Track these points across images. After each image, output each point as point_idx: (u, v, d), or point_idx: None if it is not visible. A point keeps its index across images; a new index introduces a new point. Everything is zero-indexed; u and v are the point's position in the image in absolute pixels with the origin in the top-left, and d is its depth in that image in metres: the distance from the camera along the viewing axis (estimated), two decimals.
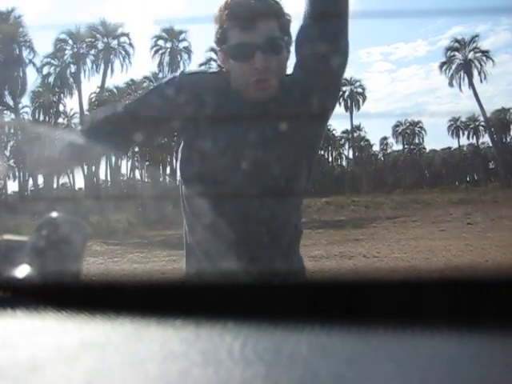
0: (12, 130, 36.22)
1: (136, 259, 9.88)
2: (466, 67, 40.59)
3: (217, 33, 1.32)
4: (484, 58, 40.95)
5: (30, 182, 40.31)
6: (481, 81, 40.69)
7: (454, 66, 41.30)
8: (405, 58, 79.76)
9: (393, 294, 0.37)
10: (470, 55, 41.11)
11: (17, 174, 37.93)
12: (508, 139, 55.40)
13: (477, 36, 46.42)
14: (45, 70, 34.56)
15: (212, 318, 0.37)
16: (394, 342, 0.34)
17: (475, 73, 40.32)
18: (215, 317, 0.37)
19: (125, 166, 40.87)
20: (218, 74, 1.37)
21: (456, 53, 41.83)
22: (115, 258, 10.34)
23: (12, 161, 38.68)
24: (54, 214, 0.62)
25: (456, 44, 42.43)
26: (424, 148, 59.85)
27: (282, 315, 0.37)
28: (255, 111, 1.29)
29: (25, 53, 33.11)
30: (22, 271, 0.48)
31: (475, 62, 40.77)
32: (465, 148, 56.41)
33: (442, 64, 42.18)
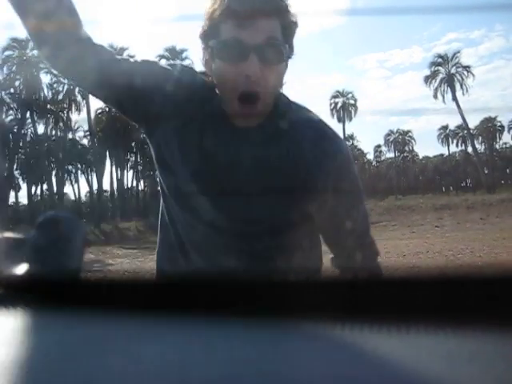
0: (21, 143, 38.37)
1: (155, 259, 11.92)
2: (449, 81, 43.22)
3: (205, 26, 1.05)
4: (465, 73, 43.64)
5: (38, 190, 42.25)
6: (463, 93, 43.42)
7: (437, 80, 44.10)
8: (400, 64, 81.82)
9: (393, 292, 0.37)
10: (453, 70, 43.79)
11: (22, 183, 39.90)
12: (496, 146, 57.71)
13: (458, 52, 48.89)
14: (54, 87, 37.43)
15: (212, 317, 0.37)
16: (393, 340, 0.34)
17: (457, 86, 43.04)
18: (215, 316, 0.37)
19: (126, 176, 42.95)
20: (205, 82, 1.11)
21: (439, 67, 44.59)
22: (139, 259, 12.35)
23: (18, 171, 40.82)
24: (54, 212, 0.62)
25: (439, 59, 45.25)
26: (417, 155, 62.15)
27: (283, 314, 0.37)
28: (237, 138, 1.07)
29: (42, 75, 35.85)
30: (22, 269, 0.48)
31: (457, 76, 43.44)
32: (457, 155, 58.71)
33: (427, 78, 44.92)
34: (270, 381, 0.30)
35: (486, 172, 54.84)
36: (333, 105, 48.04)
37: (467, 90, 43.31)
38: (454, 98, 42.15)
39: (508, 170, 57.38)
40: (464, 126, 44.62)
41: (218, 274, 0.45)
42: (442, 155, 60.60)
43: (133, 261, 11.90)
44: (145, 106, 1.09)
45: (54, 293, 0.42)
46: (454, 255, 8.76)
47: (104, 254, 15.42)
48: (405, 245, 11.62)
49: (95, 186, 40.35)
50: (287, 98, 1.13)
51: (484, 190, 41.68)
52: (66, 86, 36.80)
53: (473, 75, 44.19)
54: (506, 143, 57.84)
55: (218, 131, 1.07)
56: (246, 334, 0.36)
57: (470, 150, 56.80)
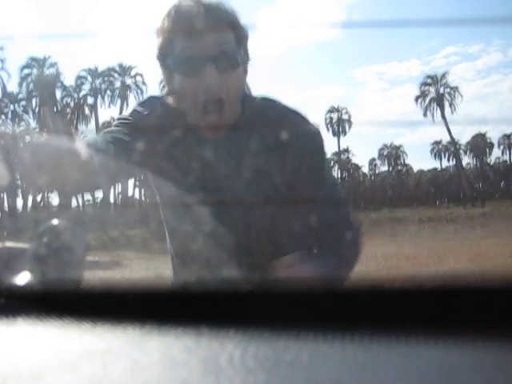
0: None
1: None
2: (438, 100, 45.59)
3: (159, 46, 1.06)
4: (453, 92, 46.03)
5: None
6: (451, 112, 45.80)
7: (427, 100, 46.48)
8: (399, 77, 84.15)
9: (394, 302, 0.37)
10: (441, 90, 46.18)
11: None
12: (489, 161, 59.94)
13: (446, 73, 51.01)
14: (63, 101, 39.74)
15: (213, 326, 0.37)
16: (394, 350, 0.34)
17: (446, 105, 45.42)
18: (216, 325, 0.37)
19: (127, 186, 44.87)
20: (162, 106, 1.10)
21: (429, 87, 47.01)
22: (154, 261, 14.04)
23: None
24: (55, 222, 0.62)
25: (429, 80, 47.59)
26: (411, 169, 64.26)
27: (283, 323, 0.37)
28: (213, 148, 1.07)
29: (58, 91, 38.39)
30: (23, 278, 0.48)
31: (446, 95, 45.82)
32: (451, 169, 60.92)
33: (417, 97, 47.28)
34: None
35: (481, 185, 57.11)
36: (328, 119, 50.34)
37: (455, 109, 45.70)
38: (443, 117, 44.43)
39: (502, 184, 59.44)
40: (453, 141, 46.89)
41: (218, 284, 0.43)
42: (435, 169, 62.66)
43: (150, 262, 13.68)
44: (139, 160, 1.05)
45: (54, 302, 0.42)
46: (414, 258, 10.85)
47: (120, 257, 17.32)
48: (379, 251, 13.78)
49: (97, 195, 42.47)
50: (250, 96, 1.15)
51: (477, 203, 43.82)
52: (75, 100, 39.41)
53: (461, 95, 46.63)
54: (499, 158, 59.97)
55: (191, 146, 1.07)
56: (246, 343, 0.36)
57: (463, 164, 59.16)
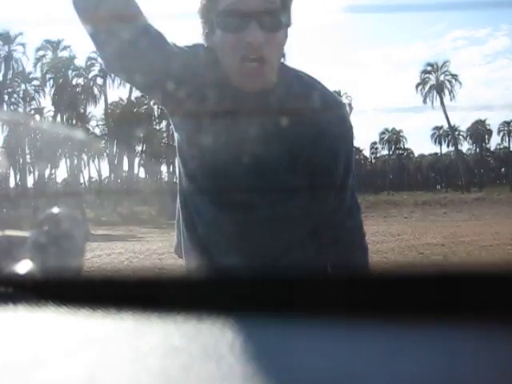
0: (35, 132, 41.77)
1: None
2: (438, 88, 46.60)
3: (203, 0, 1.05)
4: (453, 81, 47.08)
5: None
6: (450, 100, 46.78)
7: (427, 87, 47.49)
8: (404, 59, 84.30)
9: (393, 290, 0.37)
10: (442, 77, 47.14)
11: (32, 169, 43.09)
12: (490, 147, 61.01)
13: (448, 61, 51.83)
14: (73, 82, 41.12)
15: (213, 313, 0.37)
16: (394, 338, 0.34)
17: (446, 92, 46.46)
18: (216, 312, 0.37)
19: (134, 165, 46.28)
20: (207, 54, 1.09)
21: (429, 75, 48.01)
22: (165, 235, 15.33)
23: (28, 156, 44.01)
24: (55, 210, 0.62)
25: (429, 67, 48.51)
26: (412, 153, 65.37)
27: (284, 310, 0.37)
28: (247, 104, 1.06)
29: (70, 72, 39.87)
30: (24, 267, 0.48)
31: (446, 83, 46.83)
32: (452, 154, 62.03)
33: (418, 85, 48.22)
34: (274, 378, 0.30)
35: (482, 171, 58.34)
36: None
37: (454, 97, 46.66)
38: (442, 104, 45.53)
39: (503, 170, 60.55)
40: (459, 125, 47.95)
41: (219, 272, 0.44)
42: (436, 154, 63.72)
43: (162, 235, 15.05)
44: (174, 90, 1.05)
45: (55, 290, 0.42)
46: (398, 235, 12.35)
47: (132, 231, 18.72)
48: (370, 228, 15.34)
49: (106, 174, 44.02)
50: (287, 67, 1.13)
51: (475, 188, 45.15)
52: (85, 81, 40.65)
53: (460, 83, 47.60)
54: (499, 144, 60.96)
55: (222, 97, 1.06)
56: (248, 329, 0.36)
57: (464, 149, 60.27)
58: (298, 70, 1.15)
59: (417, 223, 16.96)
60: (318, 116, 1.10)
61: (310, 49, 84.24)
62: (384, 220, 19.23)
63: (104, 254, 9.50)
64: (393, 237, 11.96)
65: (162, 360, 0.33)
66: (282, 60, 1.12)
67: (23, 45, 40.67)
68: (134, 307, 0.39)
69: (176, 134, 1.17)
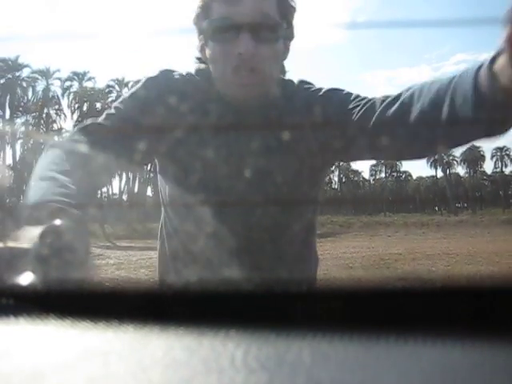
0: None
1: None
2: None
3: (197, 9, 1.03)
4: None
5: None
6: None
7: None
8: (409, 82, 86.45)
9: (395, 302, 0.37)
10: None
11: None
12: (481, 170, 63.89)
13: None
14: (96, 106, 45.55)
15: (214, 326, 0.37)
16: (396, 350, 0.34)
17: None
18: (218, 325, 0.37)
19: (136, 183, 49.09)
20: (198, 72, 1.08)
21: None
22: None
23: None
24: (58, 222, 0.62)
25: None
26: (410, 175, 68.15)
27: (285, 323, 0.37)
28: (248, 118, 1.03)
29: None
30: (26, 278, 0.48)
31: None
32: (451, 177, 64.89)
33: None
34: None
35: (478, 194, 61.14)
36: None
37: None
38: None
39: (501, 193, 63.28)
40: (453, 150, 50.50)
41: (220, 284, 0.42)
42: (433, 177, 66.47)
43: None
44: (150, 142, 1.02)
45: (57, 302, 0.42)
46: (374, 248, 15.45)
47: (149, 243, 21.42)
48: (354, 247, 18.09)
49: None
50: (293, 82, 1.10)
51: (470, 211, 47.78)
52: (104, 105, 44.74)
53: None
54: (496, 168, 63.76)
55: (218, 116, 1.02)
56: (248, 343, 0.36)
57: (461, 173, 63.09)
58: (302, 81, 1.12)
59: (393, 240, 20.21)
60: (320, 129, 1.05)
61: (313, 69, 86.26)
62: (370, 238, 22.37)
63: (140, 260, 12.29)
64: (367, 248, 15.15)
65: (163, 373, 0.33)
66: (282, 76, 1.10)
67: (60, 79, 46.78)
68: (136, 320, 0.39)
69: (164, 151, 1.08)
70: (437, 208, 59.44)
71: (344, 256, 12.56)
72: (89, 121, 1.06)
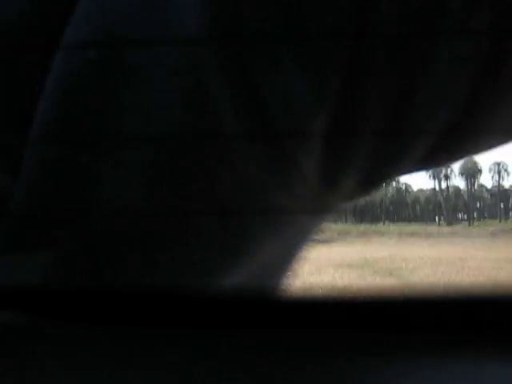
0: None
1: None
2: None
3: None
4: None
5: None
6: None
7: None
8: None
9: (394, 310, 0.44)
10: None
11: None
12: (481, 183, 66.05)
13: None
14: None
15: (218, 332, 0.44)
16: (395, 358, 0.40)
17: None
18: (221, 331, 0.44)
19: None
20: None
21: None
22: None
23: None
24: None
25: None
26: (410, 187, 70.29)
27: (285, 329, 0.44)
28: None
29: None
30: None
31: None
32: (449, 189, 67.19)
33: None
34: None
35: (478, 206, 63.34)
36: None
37: None
38: None
39: (502, 205, 65.31)
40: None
41: (223, 291, 0.42)
42: (434, 189, 68.58)
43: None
44: None
45: (55, 304, 0.48)
46: (363, 252, 17.76)
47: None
48: (348, 249, 20.59)
49: None
50: None
51: (466, 222, 49.86)
52: None
53: None
54: (497, 181, 65.81)
55: None
56: (249, 347, 0.41)
57: (461, 186, 65.32)
58: None
59: (382, 246, 22.47)
60: None
61: None
62: (364, 245, 24.79)
63: None
64: (357, 252, 17.26)
65: (164, 376, 0.42)
66: None
67: None
68: (136, 324, 0.48)
69: None
70: (437, 218, 61.55)
71: (336, 257, 14.63)
72: None
